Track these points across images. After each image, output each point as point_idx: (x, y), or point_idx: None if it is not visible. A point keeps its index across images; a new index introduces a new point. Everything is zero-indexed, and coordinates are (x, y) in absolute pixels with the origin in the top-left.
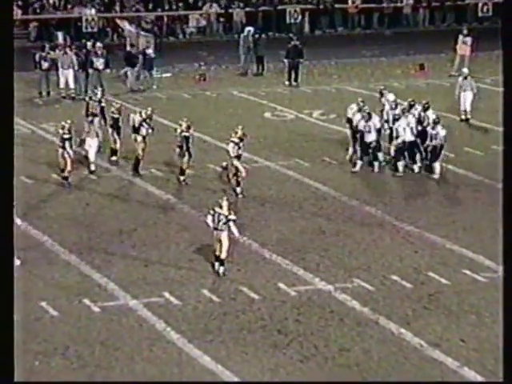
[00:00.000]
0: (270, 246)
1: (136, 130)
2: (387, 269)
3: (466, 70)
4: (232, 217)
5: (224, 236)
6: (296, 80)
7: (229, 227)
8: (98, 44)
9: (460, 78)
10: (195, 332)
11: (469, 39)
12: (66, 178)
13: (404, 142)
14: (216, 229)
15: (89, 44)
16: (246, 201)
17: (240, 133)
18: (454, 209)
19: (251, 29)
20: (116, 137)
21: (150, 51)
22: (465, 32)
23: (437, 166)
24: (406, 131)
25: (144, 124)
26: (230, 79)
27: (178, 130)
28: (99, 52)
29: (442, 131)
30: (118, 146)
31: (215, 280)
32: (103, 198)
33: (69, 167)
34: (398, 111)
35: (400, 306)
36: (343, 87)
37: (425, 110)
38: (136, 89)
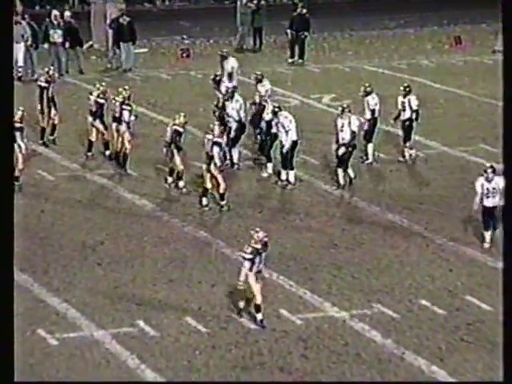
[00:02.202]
0: (270, 263)
1: (117, 119)
2: (415, 291)
3: None
4: (246, 255)
5: (250, 276)
6: (302, 57)
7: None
8: (55, 12)
9: None
10: (176, 370)
11: None
12: (16, 179)
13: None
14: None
15: (56, 13)
16: (240, 207)
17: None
18: None
19: None
20: (100, 127)
21: (121, 21)
22: None
23: (488, 235)
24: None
25: (125, 107)
26: (219, 56)
27: (171, 124)
28: (56, 22)
29: (500, 181)
30: (105, 137)
31: (201, 305)
32: (62, 203)
33: (20, 165)
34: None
35: (431, 337)
36: (360, 66)
37: (405, 94)
38: (128, 68)
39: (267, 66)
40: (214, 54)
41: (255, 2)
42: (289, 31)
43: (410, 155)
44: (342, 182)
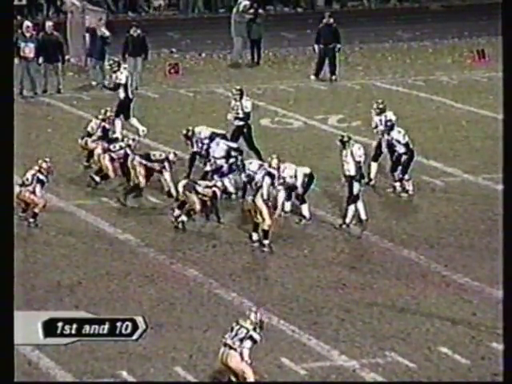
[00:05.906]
0: (270, 305)
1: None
2: (434, 338)
3: None
4: (255, 335)
5: (235, 358)
6: (333, 72)
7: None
8: (27, 23)
9: None
10: None
11: None
12: (34, 215)
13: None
14: (227, 345)
15: (28, 24)
16: (236, 243)
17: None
18: None
19: (246, 2)
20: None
21: (102, 32)
22: None
23: None
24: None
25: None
26: (212, 72)
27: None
28: (28, 34)
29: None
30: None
31: (193, 353)
32: (35, 238)
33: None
34: None
35: None
36: (371, 83)
37: (379, 112)
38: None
39: (266, 82)
40: (206, 70)
41: (252, 10)
42: (316, 46)
43: (404, 188)
44: (347, 220)
